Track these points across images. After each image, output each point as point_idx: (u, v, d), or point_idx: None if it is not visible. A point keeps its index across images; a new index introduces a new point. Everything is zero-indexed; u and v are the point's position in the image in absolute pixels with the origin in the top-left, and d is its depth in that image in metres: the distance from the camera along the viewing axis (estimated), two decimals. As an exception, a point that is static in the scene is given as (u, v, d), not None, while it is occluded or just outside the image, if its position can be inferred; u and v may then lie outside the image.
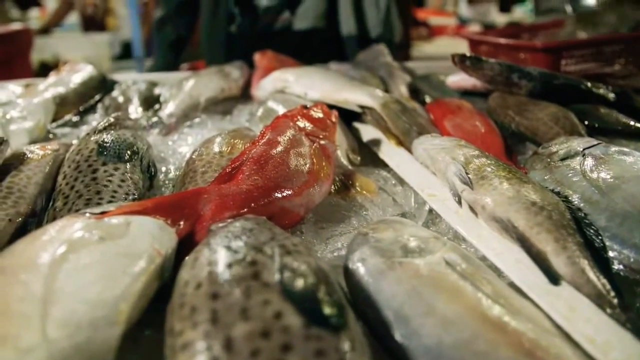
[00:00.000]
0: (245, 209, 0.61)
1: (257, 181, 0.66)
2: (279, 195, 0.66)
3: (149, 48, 3.70)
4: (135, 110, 1.29)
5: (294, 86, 1.23)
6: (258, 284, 0.42)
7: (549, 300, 0.51)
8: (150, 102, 1.34)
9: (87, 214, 0.54)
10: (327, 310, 0.40)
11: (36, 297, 0.41)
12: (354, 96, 1.11)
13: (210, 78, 1.39)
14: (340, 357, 0.37)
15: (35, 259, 0.45)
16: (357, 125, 1.13)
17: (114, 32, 5.02)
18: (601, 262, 0.56)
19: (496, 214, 0.65)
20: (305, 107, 0.92)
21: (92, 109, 1.35)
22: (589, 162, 0.74)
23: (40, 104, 1.17)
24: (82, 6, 4.93)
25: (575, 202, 0.68)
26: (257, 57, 1.58)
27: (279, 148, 0.75)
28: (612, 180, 0.69)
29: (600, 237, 0.61)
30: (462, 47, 1.81)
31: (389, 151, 0.98)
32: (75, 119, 1.29)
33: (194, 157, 0.85)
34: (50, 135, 1.18)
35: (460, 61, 1.17)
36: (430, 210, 0.77)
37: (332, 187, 0.80)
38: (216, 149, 0.85)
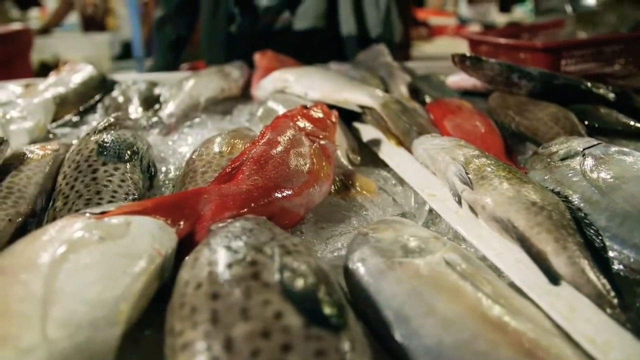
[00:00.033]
0: (245, 209, 0.61)
1: (257, 181, 0.66)
2: (279, 195, 0.66)
3: (149, 48, 3.70)
4: (135, 110, 1.29)
5: (294, 86, 1.23)
6: (258, 284, 0.42)
7: (549, 300, 0.51)
8: (150, 102, 1.34)
9: (87, 214, 0.54)
10: (327, 310, 0.40)
11: (36, 297, 0.41)
12: (354, 96, 1.11)
13: (210, 78, 1.39)
14: (341, 357, 0.37)
15: (36, 259, 0.45)
16: (357, 125, 1.13)
17: (114, 32, 5.02)
18: (601, 262, 0.56)
19: (496, 214, 0.65)
20: (305, 107, 0.92)
21: (92, 109, 1.35)
22: (589, 162, 0.74)
23: (40, 104, 1.17)
24: (82, 6, 4.93)
25: (576, 202, 0.68)
26: (257, 57, 1.58)
27: (279, 148, 0.75)
28: (612, 180, 0.69)
29: (600, 237, 0.61)
30: (462, 47, 1.81)
31: (389, 151, 0.98)
32: (75, 119, 1.29)
33: (194, 157, 0.85)
34: (50, 135, 1.18)
35: (460, 61, 1.17)
36: (430, 210, 0.77)
37: (332, 187, 0.80)
38: (216, 149, 0.85)
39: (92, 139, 0.85)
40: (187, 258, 0.48)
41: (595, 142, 0.79)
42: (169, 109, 1.26)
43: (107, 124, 0.97)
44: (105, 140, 0.83)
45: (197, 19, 2.19)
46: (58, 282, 0.43)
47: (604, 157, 0.74)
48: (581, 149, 0.78)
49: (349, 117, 1.13)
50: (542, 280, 0.54)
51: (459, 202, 0.72)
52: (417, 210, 0.79)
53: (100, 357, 0.41)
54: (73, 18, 4.97)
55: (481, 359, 0.41)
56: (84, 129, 1.19)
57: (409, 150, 0.94)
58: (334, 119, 0.92)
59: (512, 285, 0.54)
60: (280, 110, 1.11)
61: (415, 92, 1.34)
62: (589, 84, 1.12)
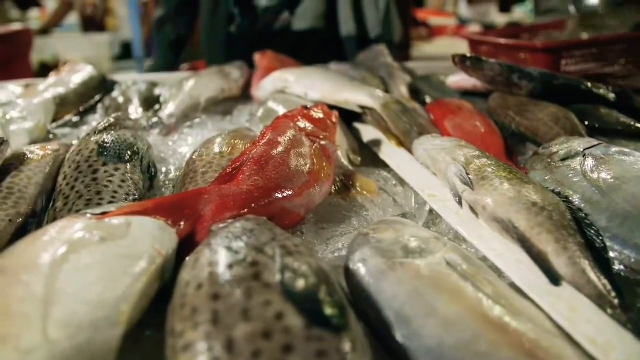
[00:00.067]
0: (246, 210, 0.61)
1: (257, 182, 0.66)
2: (280, 196, 0.66)
3: (149, 48, 3.71)
4: (135, 111, 1.29)
5: (295, 86, 1.23)
6: (259, 284, 0.42)
7: (550, 300, 0.51)
8: (150, 102, 1.34)
9: (88, 215, 0.54)
10: (329, 311, 0.40)
11: (37, 297, 0.41)
12: (355, 97, 1.11)
13: (210, 78, 1.39)
14: (342, 357, 0.37)
15: (36, 260, 0.45)
16: (357, 125, 1.13)
17: (114, 33, 5.03)
18: (602, 262, 0.56)
19: (497, 214, 0.65)
20: (305, 107, 0.92)
21: (92, 110, 1.34)
22: (590, 162, 0.74)
23: (40, 105, 1.17)
24: (81, 6, 4.93)
25: (576, 203, 0.68)
26: (258, 58, 1.58)
27: (280, 148, 0.75)
28: (612, 180, 0.69)
29: (601, 238, 0.61)
30: (462, 47, 1.81)
31: (389, 152, 0.98)
32: (75, 119, 1.29)
33: (194, 157, 0.85)
34: (51, 136, 1.18)
35: (460, 61, 1.17)
36: (431, 211, 0.77)
37: (333, 187, 0.80)
38: (216, 149, 0.85)
39: (92, 139, 0.85)
40: (187, 259, 0.48)
41: (595, 142, 0.79)
42: (169, 110, 1.26)
43: (107, 125, 0.97)
44: (106, 140, 0.83)
45: (197, 19, 2.19)
46: (59, 282, 0.43)
47: (605, 157, 0.74)
48: (582, 150, 0.78)
49: (349, 117, 1.13)
50: (542, 280, 0.54)
51: (460, 203, 0.72)
52: (418, 210, 0.79)
53: (101, 358, 0.41)
54: (73, 18, 4.98)
55: (482, 359, 0.41)
56: (84, 130, 1.19)
57: (410, 150, 0.94)
58: (334, 120, 0.92)
59: (513, 286, 0.54)
60: (281, 110, 1.11)
61: (416, 93, 1.34)
62: (589, 85, 1.12)
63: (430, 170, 0.85)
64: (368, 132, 1.08)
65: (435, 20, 5.48)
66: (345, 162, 0.94)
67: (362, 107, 1.10)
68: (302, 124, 0.85)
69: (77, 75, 1.41)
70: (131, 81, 1.48)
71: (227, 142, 0.87)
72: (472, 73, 1.19)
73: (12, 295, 0.41)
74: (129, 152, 0.82)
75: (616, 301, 0.51)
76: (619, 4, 1.73)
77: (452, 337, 0.42)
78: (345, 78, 1.26)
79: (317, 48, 2.02)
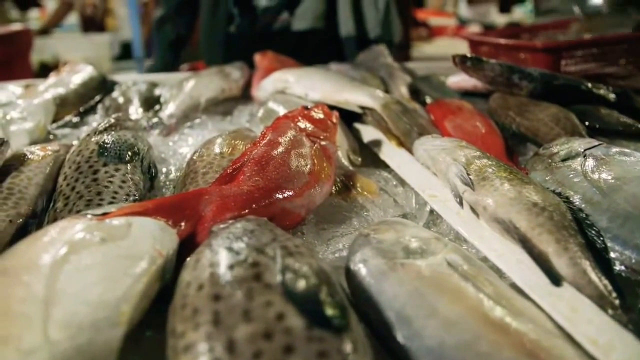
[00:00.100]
0: (247, 210, 0.61)
1: (258, 182, 0.66)
2: (280, 196, 0.66)
3: (149, 48, 3.71)
4: (135, 111, 1.29)
5: (295, 87, 1.23)
6: (260, 285, 0.42)
7: (550, 301, 0.51)
8: (150, 102, 1.34)
9: (89, 215, 0.54)
10: (330, 311, 0.40)
11: (38, 298, 0.41)
12: (355, 97, 1.11)
13: (210, 79, 1.39)
14: (343, 358, 0.37)
15: (37, 260, 0.45)
16: (357, 126, 1.13)
17: (114, 33, 5.03)
18: (603, 263, 0.56)
19: (498, 215, 0.65)
20: (306, 108, 0.92)
21: (92, 110, 1.35)
22: (590, 163, 0.74)
23: (40, 105, 1.17)
24: (81, 7, 4.94)
25: (577, 203, 0.68)
26: (258, 58, 1.58)
27: (280, 149, 0.75)
28: (613, 181, 0.69)
29: (601, 238, 0.61)
30: (462, 47, 1.81)
31: (389, 152, 0.98)
32: (75, 119, 1.29)
33: (194, 157, 0.85)
34: (51, 136, 1.18)
35: (461, 62, 1.17)
36: (431, 211, 0.77)
37: (333, 188, 0.80)
38: (217, 149, 0.85)
39: (92, 139, 0.85)
40: (188, 259, 0.48)
41: (596, 142, 0.79)
42: (169, 110, 1.26)
43: (107, 125, 0.97)
44: (106, 141, 0.83)
45: (196, 19, 2.19)
46: (59, 283, 0.43)
47: (605, 157, 0.74)
48: (582, 150, 0.78)
49: (349, 117, 1.13)
50: (543, 281, 0.54)
51: (460, 203, 0.72)
52: (418, 211, 0.79)
53: (102, 359, 0.41)
54: (73, 18, 4.98)
55: (483, 360, 0.41)
56: (84, 130, 1.19)
57: (410, 151, 0.94)
58: (334, 120, 0.92)
59: (514, 286, 0.54)
60: (281, 111, 1.11)
61: (416, 93, 1.34)
62: (589, 85, 1.12)
63: (431, 171, 0.84)
64: (368, 133, 1.08)
65: (435, 21, 5.48)
66: (345, 162, 0.94)
67: (363, 108, 1.10)
68: (303, 124, 0.85)
69: (77, 75, 1.41)
70: (131, 81, 1.48)
71: (227, 143, 0.87)
72: (472, 73, 1.19)
73: (12, 296, 0.41)
74: (129, 153, 0.82)
75: (617, 302, 0.51)
76: (621, 4, 1.73)
77: (453, 338, 0.42)
78: (345, 78, 1.26)
79: (316, 48, 2.02)
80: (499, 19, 5.42)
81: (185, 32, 2.23)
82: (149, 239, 0.51)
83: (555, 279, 0.54)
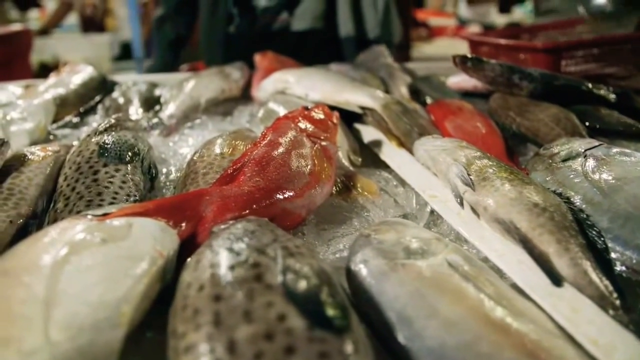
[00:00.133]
0: (247, 211, 0.61)
1: (258, 182, 0.66)
2: (281, 197, 0.66)
3: (149, 48, 3.70)
4: (135, 112, 1.29)
5: (295, 87, 1.23)
6: (261, 286, 0.42)
7: (551, 301, 0.51)
8: (150, 103, 1.34)
9: (89, 216, 0.54)
10: (331, 312, 0.40)
11: (38, 299, 0.41)
12: (355, 97, 1.11)
13: (210, 79, 1.39)
14: (344, 359, 0.37)
15: (38, 261, 0.45)
16: (358, 126, 1.13)
17: (113, 33, 5.03)
18: (604, 263, 0.56)
19: (498, 215, 0.65)
20: (306, 108, 0.92)
21: (92, 110, 1.35)
22: (591, 163, 0.74)
23: (40, 105, 1.17)
24: (81, 7, 4.94)
25: (577, 204, 0.68)
26: (258, 58, 1.58)
27: (281, 149, 0.74)
28: (613, 181, 0.69)
29: (602, 239, 0.61)
30: (462, 48, 1.81)
31: (390, 152, 0.98)
32: (75, 120, 1.29)
33: (195, 158, 0.85)
34: (51, 137, 1.18)
35: (461, 62, 1.17)
36: (432, 212, 0.77)
37: (334, 188, 0.80)
38: (217, 150, 0.85)
39: (92, 140, 0.85)
40: (189, 260, 0.48)
41: (596, 143, 0.79)
42: (169, 110, 1.26)
43: (107, 125, 0.96)
44: (106, 141, 0.83)
45: (196, 19, 2.20)
46: (60, 284, 0.43)
47: (606, 158, 0.74)
48: (582, 150, 0.78)
49: (350, 118, 1.13)
50: (544, 281, 0.54)
51: (461, 204, 0.72)
52: (419, 211, 0.79)
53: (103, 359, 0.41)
54: (72, 19, 4.98)
55: (484, 360, 0.41)
56: (85, 130, 1.19)
57: (410, 151, 0.94)
58: (335, 120, 0.92)
59: (515, 287, 0.54)
60: (281, 111, 1.11)
61: (416, 93, 1.34)
62: (589, 85, 1.12)
63: (431, 171, 0.84)
64: (369, 133, 1.08)
65: (435, 21, 5.49)
66: (346, 162, 0.94)
67: (363, 108, 1.10)
68: (303, 124, 0.85)
69: (77, 75, 1.41)
70: (131, 82, 1.48)
71: (227, 143, 0.87)
72: (472, 74, 1.19)
73: (13, 297, 0.41)
74: (129, 153, 0.82)
75: (618, 302, 0.51)
76: (624, 4, 1.73)
77: (454, 338, 0.42)
78: (345, 79, 1.26)
79: (316, 49, 2.02)
80: (499, 19, 5.41)
81: (185, 32, 2.23)
82: (149, 239, 0.51)
83: (556, 279, 0.54)
